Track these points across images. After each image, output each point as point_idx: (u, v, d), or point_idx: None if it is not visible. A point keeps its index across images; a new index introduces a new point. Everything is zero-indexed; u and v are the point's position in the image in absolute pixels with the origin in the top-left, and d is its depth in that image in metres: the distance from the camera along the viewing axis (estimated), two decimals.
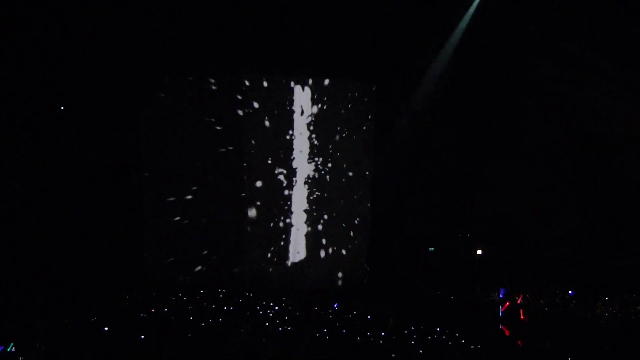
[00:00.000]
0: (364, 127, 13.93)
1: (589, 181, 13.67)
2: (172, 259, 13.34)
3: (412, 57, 13.29)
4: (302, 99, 13.62)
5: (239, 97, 13.33)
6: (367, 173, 13.92)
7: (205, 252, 13.42)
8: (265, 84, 13.42)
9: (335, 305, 11.47)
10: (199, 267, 13.36)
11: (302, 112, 13.59)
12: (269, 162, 13.57)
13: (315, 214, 13.76)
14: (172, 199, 13.31)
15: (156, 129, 13.27)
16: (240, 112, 13.38)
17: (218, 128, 13.35)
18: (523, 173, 13.63)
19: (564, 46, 12.84)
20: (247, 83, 13.33)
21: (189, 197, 13.36)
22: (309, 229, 13.77)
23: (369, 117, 13.88)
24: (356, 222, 13.94)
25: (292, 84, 13.55)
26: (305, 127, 13.65)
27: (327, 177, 13.79)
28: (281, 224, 13.67)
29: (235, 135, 13.40)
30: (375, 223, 13.85)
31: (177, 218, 13.35)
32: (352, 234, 13.94)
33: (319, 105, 13.67)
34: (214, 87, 13.32)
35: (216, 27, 12.38)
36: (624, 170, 13.52)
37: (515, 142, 13.79)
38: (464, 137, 13.91)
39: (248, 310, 11.11)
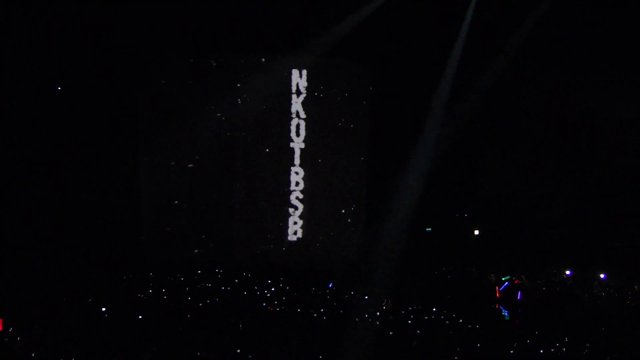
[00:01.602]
0: (360, 112, 13.85)
1: (586, 162, 13.66)
2: (170, 241, 13.32)
3: (411, 40, 13.18)
4: (299, 81, 13.52)
5: (235, 80, 13.20)
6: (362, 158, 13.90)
7: (203, 235, 13.39)
8: (260, 66, 13.30)
9: (330, 285, 11.51)
10: (197, 250, 13.38)
11: (299, 95, 13.51)
12: (267, 149, 13.55)
13: (312, 195, 13.74)
14: (171, 174, 13.20)
15: (154, 112, 13.15)
16: (236, 96, 13.28)
17: (218, 114, 13.26)
18: (520, 154, 13.59)
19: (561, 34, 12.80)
20: (242, 66, 13.19)
21: (187, 179, 13.27)
22: (306, 210, 13.76)
23: (364, 102, 13.81)
24: (353, 205, 13.92)
25: (289, 66, 13.39)
26: (302, 109, 13.57)
27: (324, 160, 13.75)
28: (278, 206, 13.68)
29: (232, 120, 13.31)
30: (371, 202, 13.84)
31: (176, 202, 13.34)
32: (349, 216, 13.93)
33: (316, 89, 13.56)
34: (211, 71, 13.19)
35: (209, 9, 12.26)
36: (621, 152, 13.51)
37: (513, 123, 13.73)
38: (460, 120, 13.84)
39: (245, 290, 11.17)
